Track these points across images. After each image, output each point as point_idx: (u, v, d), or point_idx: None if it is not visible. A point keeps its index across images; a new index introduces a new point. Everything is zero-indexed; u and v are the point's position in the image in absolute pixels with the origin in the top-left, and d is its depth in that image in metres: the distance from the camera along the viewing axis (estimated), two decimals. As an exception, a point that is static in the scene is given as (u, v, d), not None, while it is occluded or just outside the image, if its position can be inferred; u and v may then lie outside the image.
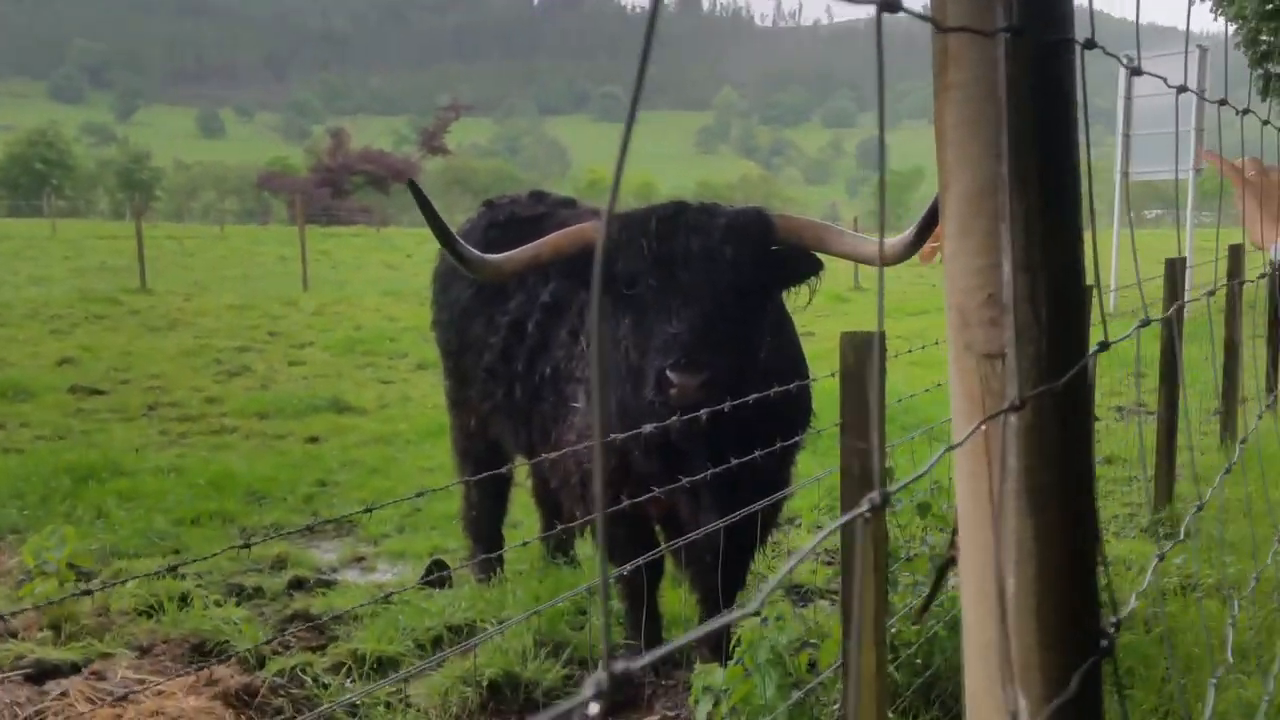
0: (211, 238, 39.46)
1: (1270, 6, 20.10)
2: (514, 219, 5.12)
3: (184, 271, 25.13)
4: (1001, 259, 0.79)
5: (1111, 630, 0.86)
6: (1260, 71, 20.64)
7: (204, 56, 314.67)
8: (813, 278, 3.87)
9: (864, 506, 0.59)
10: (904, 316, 17.32)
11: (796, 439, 4.16)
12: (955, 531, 0.83)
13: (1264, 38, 20.40)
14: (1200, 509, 1.45)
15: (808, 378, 4.14)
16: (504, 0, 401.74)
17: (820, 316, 14.58)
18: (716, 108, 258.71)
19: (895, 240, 3.63)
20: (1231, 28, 20.78)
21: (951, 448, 0.76)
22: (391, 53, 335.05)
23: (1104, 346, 0.86)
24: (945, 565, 0.91)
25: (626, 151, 0.47)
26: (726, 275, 3.59)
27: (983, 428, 0.77)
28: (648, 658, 0.45)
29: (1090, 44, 0.84)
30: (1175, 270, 5.31)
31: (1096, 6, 0.92)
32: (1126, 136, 16.06)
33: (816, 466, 6.82)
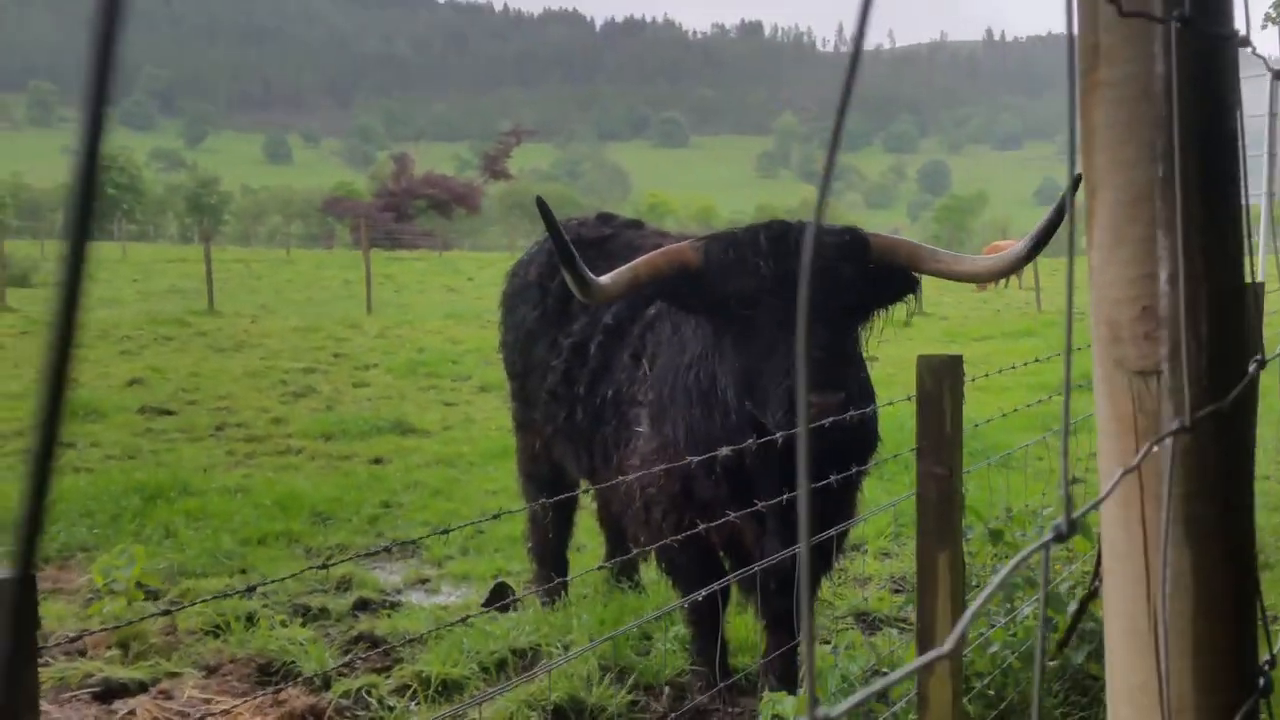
0: (277, 261, 40.03)
1: (1345, 28, 19.71)
2: (580, 241, 5.10)
3: (250, 294, 25.48)
4: (1158, 269, 0.73)
5: (1267, 667, 0.80)
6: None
7: (270, 83, 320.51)
8: (910, 295, 3.87)
9: (1049, 535, 0.54)
10: (968, 341, 17.11)
11: (867, 464, 4.11)
12: (1098, 563, 0.78)
13: (1338, 60, 20.01)
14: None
15: (874, 402, 4.09)
16: (565, 26, 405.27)
17: (881, 341, 14.42)
18: (777, 132, 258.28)
19: (999, 255, 3.63)
20: None
21: (1128, 471, 0.71)
22: (453, 78, 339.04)
23: (1262, 364, 0.81)
24: (1086, 598, 0.85)
25: (831, 173, 0.44)
26: (842, 294, 3.59)
27: (1154, 449, 0.71)
28: (848, 704, 0.41)
29: (1244, 41, 0.79)
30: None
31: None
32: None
33: (881, 492, 6.72)
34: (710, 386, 3.85)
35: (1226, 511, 0.77)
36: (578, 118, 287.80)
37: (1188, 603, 0.76)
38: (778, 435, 3.39)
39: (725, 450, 3.42)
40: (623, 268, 3.75)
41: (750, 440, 3.46)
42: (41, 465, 0.37)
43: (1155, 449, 0.71)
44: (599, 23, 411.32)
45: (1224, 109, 0.78)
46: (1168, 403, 0.75)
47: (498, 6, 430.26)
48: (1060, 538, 0.54)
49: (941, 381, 3.06)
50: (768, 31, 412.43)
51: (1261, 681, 0.79)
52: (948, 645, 0.49)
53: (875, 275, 3.74)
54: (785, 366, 3.44)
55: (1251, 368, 0.78)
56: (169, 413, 10.52)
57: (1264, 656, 0.81)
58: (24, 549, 0.37)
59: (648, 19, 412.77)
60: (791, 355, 3.45)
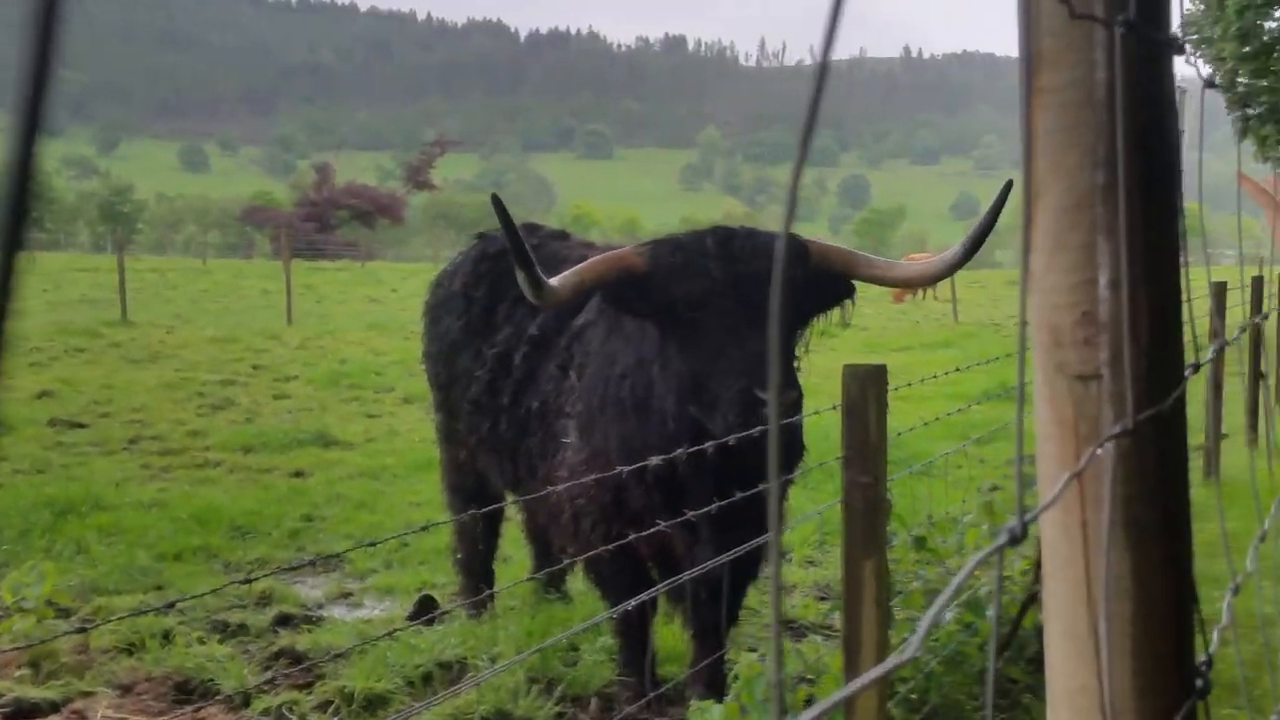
0: (194, 271, 39.24)
1: (1248, 50, 20.37)
2: (506, 251, 5.09)
3: (165, 305, 24.96)
4: (1099, 275, 0.74)
5: (1204, 669, 0.81)
6: (1239, 114, 20.88)
7: (188, 90, 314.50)
8: (847, 300, 3.93)
9: (1003, 538, 0.54)
10: (888, 352, 17.33)
11: (793, 473, 4.15)
12: (1038, 566, 0.78)
13: (1241, 80, 20.65)
14: (1263, 539, 1.40)
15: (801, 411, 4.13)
16: (489, 37, 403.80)
17: (804, 352, 14.53)
18: (700, 146, 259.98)
19: (933, 260, 3.70)
20: (1208, 70, 21.07)
21: (1074, 475, 0.71)
22: (377, 88, 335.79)
23: (1195, 368, 0.82)
24: (1027, 602, 0.85)
25: (799, 180, 0.43)
26: (790, 297, 3.63)
27: (1096, 452, 0.72)
28: (811, 713, 0.40)
29: (1180, 48, 0.80)
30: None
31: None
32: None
33: (806, 500, 6.77)
34: (645, 395, 3.84)
35: (1166, 515, 0.78)
36: (502, 128, 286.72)
37: (1128, 606, 0.77)
38: (709, 445, 3.40)
39: (656, 460, 3.42)
40: (567, 272, 3.74)
41: (683, 449, 3.46)
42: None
43: (1099, 452, 0.72)
44: (523, 34, 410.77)
45: (1164, 115, 0.79)
46: (1108, 407, 0.76)
47: (421, 16, 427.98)
48: (1014, 541, 0.54)
49: (866, 391, 3.08)
50: (691, 46, 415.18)
51: (1199, 683, 0.80)
52: (909, 651, 0.49)
53: (814, 280, 3.78)
54: (737, 369, 3.46)
55: (1187, 372, 0.79)
56: (81, 425, 10.23)
57: (1200, 658, 0.82)
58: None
59: (572, 31, 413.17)
60: (742, 357, 3.48)
